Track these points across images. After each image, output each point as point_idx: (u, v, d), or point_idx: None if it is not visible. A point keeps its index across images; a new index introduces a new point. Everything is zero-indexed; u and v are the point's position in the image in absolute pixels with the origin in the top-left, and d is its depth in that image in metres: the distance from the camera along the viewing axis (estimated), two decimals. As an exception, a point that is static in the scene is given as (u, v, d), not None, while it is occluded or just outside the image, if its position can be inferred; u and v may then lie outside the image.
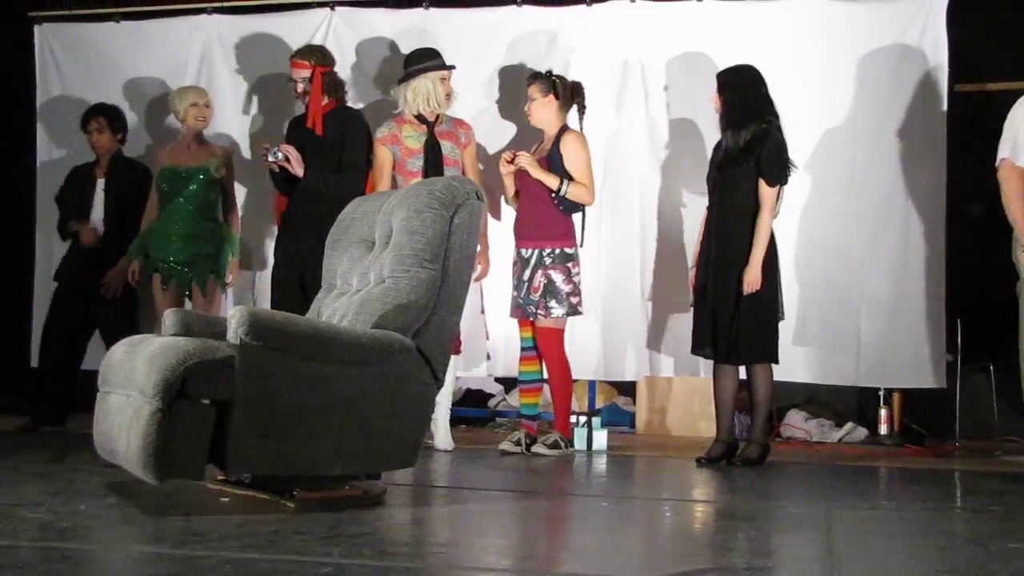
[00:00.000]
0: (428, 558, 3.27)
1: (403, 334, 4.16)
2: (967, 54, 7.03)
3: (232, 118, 7.46)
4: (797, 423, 7.52)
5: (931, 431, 7.45)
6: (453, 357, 5.57)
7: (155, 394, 3.63)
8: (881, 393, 7.35)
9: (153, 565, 3.02)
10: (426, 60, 6.42)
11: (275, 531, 3.41)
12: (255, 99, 7.47)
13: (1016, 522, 4.18)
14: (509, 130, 7.04)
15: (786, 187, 5.94)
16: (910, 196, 6.66)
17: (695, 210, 6.43)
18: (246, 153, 7.32)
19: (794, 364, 6.58)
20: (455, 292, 4.31)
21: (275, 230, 6.76)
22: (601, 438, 6.47)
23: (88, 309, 6.89)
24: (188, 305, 6.62)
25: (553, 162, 6.24)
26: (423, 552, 3.42)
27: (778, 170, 5.86)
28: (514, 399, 7.48)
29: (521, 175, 6.29)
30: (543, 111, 6.33)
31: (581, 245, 6.35)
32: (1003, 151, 5.53)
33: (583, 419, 6.68)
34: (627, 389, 7.92)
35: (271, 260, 6.63)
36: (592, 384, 7.25)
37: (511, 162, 6.26)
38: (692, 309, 6.11)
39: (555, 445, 6.15)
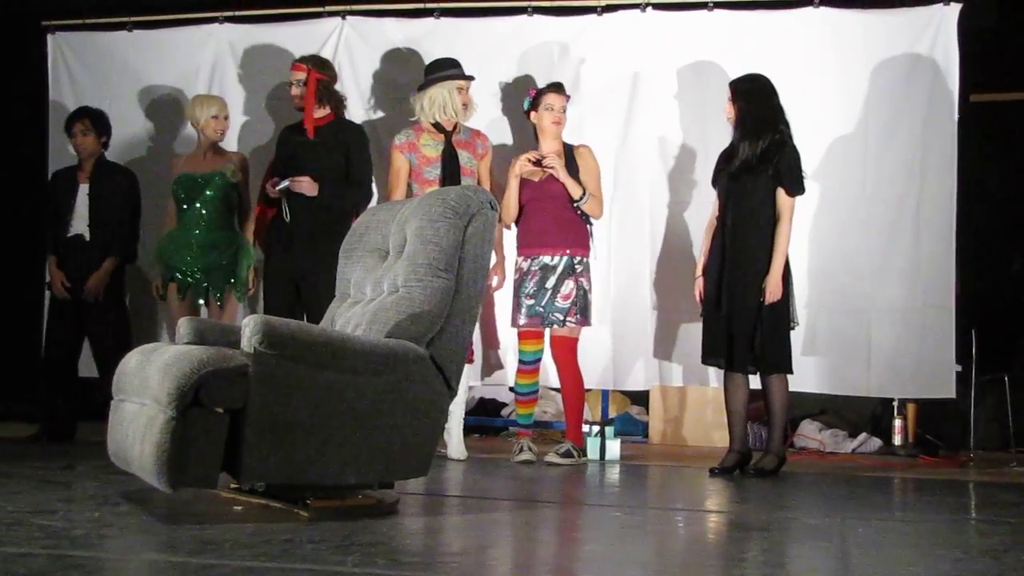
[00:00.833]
0: (441, 567, 3.27)
1: (417, 343, 4.15)
2: (978, 64, 7.02)
3: (243, 126, 7.46)
4: (811, 433, 7.51)
5: (946, 442, 7.44)
6: (466, 366, 5.58)
7: (169, 402, 3.63)
8: (895, 404, 7.34)
9: (166, 573, 3.02)
10: (444, 69, 6.43)
11: (288, 540, 3.41)
12: (266, 108, 7.48)
13: (1031, 533, 4.16)
14: (519, 139, 7.03)
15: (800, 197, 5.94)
16: (921, 205, 6.65)
17: (704, 220, 6.42)
18: (258, 161, 7.32)
19: (805, 374, 6.56)
20: (469, 301, 4.30)
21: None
22: (614, 448, 6.46)
23: (80, 319, 6.86)
24: (204, 314, 6.62)
25: (569, 172, 6.24)
26: (436, 561, 3.41)
27: (798, 181, 5.87)
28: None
29: (533, 183, 6.27)
30: (565, 126, 6.37)
31: (595, 257, 6.38)
32: None
33: (596, 429, 6.67)
34: (640, 399, 7.92)
35: None
36: (605, 394, 7.25)
37: (536, 163, 6.23)
38: (701, 319, 6.10)
39: (568, 454, 6.14)
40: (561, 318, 6.16)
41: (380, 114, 7.32)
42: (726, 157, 6.05)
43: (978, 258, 7.08)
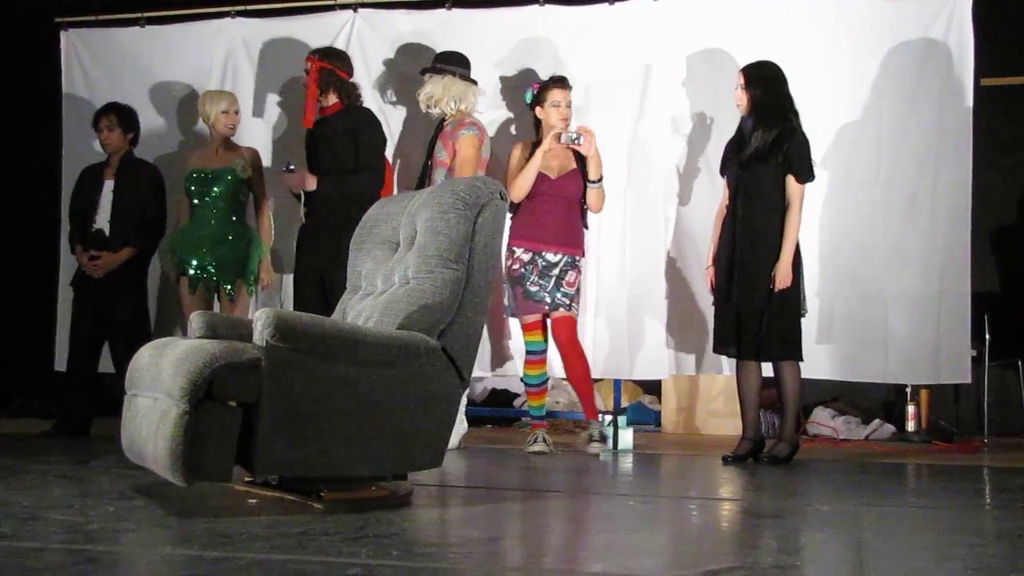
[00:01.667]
0: (455, 558, 3.27)
1: (428, 335, 4.16)
2: (992, 47, 6.98)
3: (256, 121, 7.48)
4: (824, 420, 7.51)
5: (959, 427, 7.43)
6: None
7: (182, 396, 3.65)
8: (908, 390, 7.32)
9: (181, 567, 3.03)
10: (441, 62, 6.60)
11: (303, 532, 3.42)
12: (279, 102, 7.49)
13: (1046, 518, 4.16)
14: (530, 129, 7.02)
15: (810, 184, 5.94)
16: (936, 191, 6.61)
17: (715, 208, 6.41)
18: (270, 156, 7.33)
19: (820, 361, 6.54)
20: (479, 292, 4.30)
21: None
22: (627, 437, 6.47)
23: (100, 314, 6.89)
24: (216, 308, 6.63)
25: (577, 163, 6.27)
26: (450, 552, 3.42)
27: (807, 168, 5.87)
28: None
29: (549, 180, 6.26)
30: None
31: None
32: None
33: (609, 418, 6.68)
34: (652, 388, 7.92)
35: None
36: (617, 383, 7.24)
37: (566, 139, 6.28)
38: (714, 308, 6.10)
39: (602, 437, 6.18)
40: (568, 303, 6.23)
41: (393, 106, 7.31)
42: (735, 145, 6.05)
43: (991, 243, 7.06)
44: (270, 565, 2.95)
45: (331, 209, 6.30)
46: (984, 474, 5.82)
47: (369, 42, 7.37)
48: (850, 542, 3.62)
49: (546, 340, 6.35)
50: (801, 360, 5.91)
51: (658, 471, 5.87)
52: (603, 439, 6.18)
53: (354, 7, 7.41)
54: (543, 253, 6.26)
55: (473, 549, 3.44)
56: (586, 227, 6.45)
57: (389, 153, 6.85)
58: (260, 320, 3.80)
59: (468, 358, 4.30)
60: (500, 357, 6.99)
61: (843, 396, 7.69)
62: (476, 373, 6.96)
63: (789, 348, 5.85)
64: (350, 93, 6.56)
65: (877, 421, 7.49)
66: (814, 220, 6.51)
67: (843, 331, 6.66)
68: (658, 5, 7.00)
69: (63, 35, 7.88)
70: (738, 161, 5.96)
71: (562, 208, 6.30)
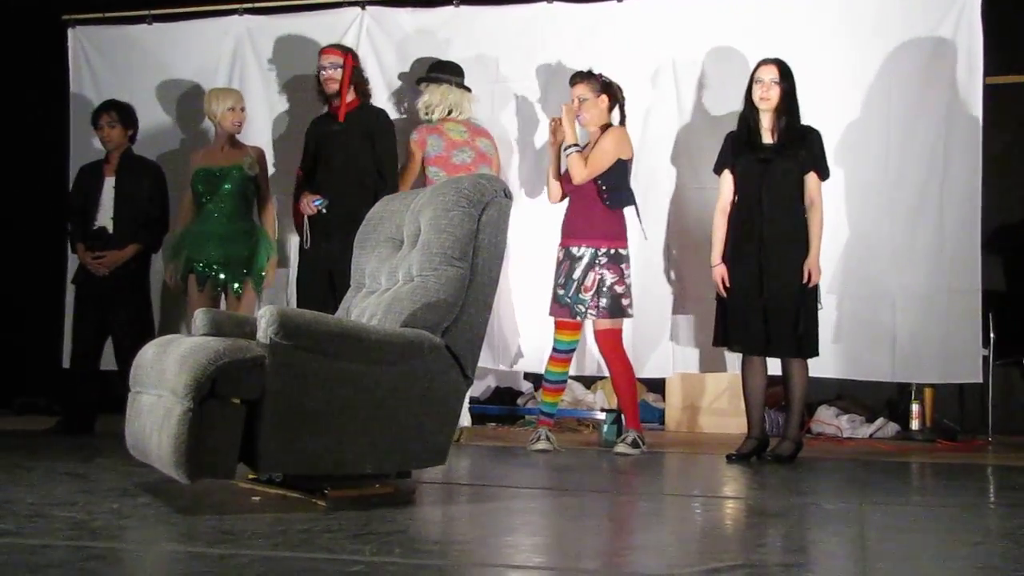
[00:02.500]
0: (459, 556, 3.28)
1: (432, 332, 4.16)
2: (1000, 45, 6.97)
3: (262, 119, 7.48)
4: (828, 419, 7.49)
5: (963, 426, 7.42)
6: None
7: (186, 394, 3.65)
8: (913, 388, 7.31)
9: (185, 564, 3.04)
10: (437, 71, 6.74)
11: (306, 529, 3.42)
12: (287, 99, 7.49)
13: (1050, 517, 4.15)
14: (540, 126, 7.03)
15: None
16: (944, 189, 6.60)
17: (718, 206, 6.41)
18: (277, 153, 7.34)
19: (827, 360, 6.51)
20: (483, 290, 4.31)
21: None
22: (639, 441, 6.45)
23: (103, 311, 6.88)
24: (223, 306, 6.64)
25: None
26: (454, 550, 3.42)
27: (827, 165, 5.91)
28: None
29: (567, 176, 6.26)
30: (594, 112, 6.28)
31: (645, 238, 6.51)
32: None
33: (612, 415, 6.68)
34: (656, 386, 7.91)
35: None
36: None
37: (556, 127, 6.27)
38: (716, 304, 6.07)
39: (636, 444, 6.12)
40: (584, 309, 6.14)
41: (401, 102, 7.31)
42: (743, 140, 6.00)
43: (996, 241, 7.04)
44: (274, 562, 2.96)
45: (342, 205, 6.32)
46: (988, 473, 5.81)
47: (377, 39, 7.38)
48: (854, 540, 3.62)
49: (576, 341, 6.31)
50: (818, 355, 5.92)
51: (662, 469, 5.87)
52: (636, 446, 6.14)
53: (362, 4, 7.42)
54: (569, 247, 6.22)
55: (476, 547, 3.45)
56: (626, 204, 6.28)
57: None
58: (264, 318, 3.81)
59: (472, 356, 4.30)
60: (506, 353, 7.02)
61: (847, 395, 7.68)
62: (488, 366, 7.02)
63: (815, 344, 5.87)
64: (366, 91, 6.66)
65: (881, 420, 7.47)
66: (825, 218, 6.48)
67: (850, 330, 6.64)
68: (666, 3, 7.00)
69: (70, 32, 7.88)
70: (759, 157, 5.91)
71: (580, 200, 6.25)
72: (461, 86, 6.75)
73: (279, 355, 3.77)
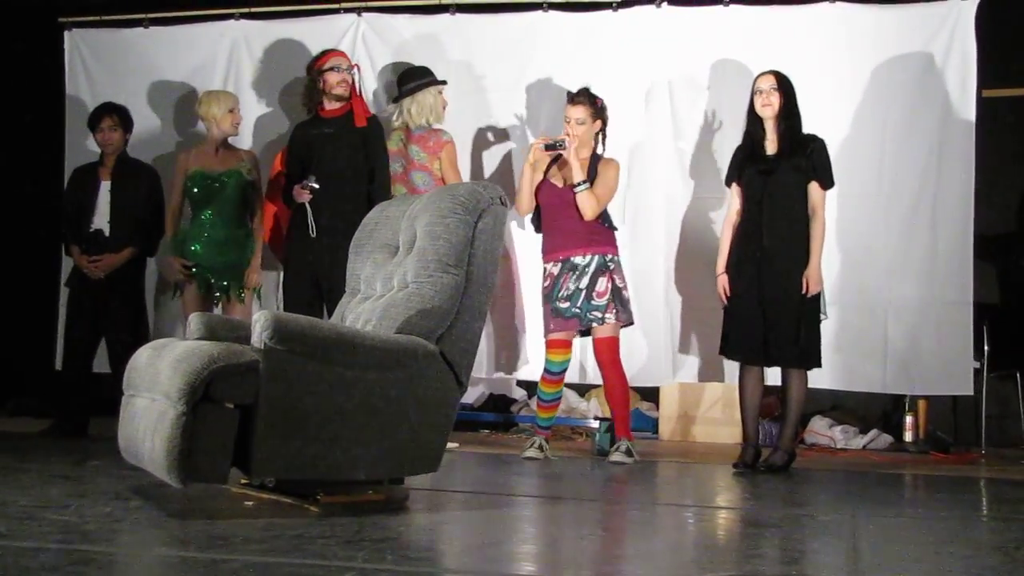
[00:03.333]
0: (451, 563, 3.28)
1: (427, 339, 4.16)
2: (994, 58, 6.98)
3: (258, 123, 7.48)
4: (821, 430, 7.50)
5: (957, 438, 7.42)
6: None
7: (180, 398, 3.65)
8: (906, 400, 7.32)
9: (177, 568, 3.03)
10: (425, 76, 6.68)
11: (299, 535, 3.42)
12: (282, 104, 7.49)
13: (1043, 531, 4.15)
14: (533, 133, 7.03)
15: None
16: (938, 202, 6.62)
17: (721, 216, 6.41)
18: (270, 157, 7.33)
19: (821, 370, 6.48)
20: (479, 297, 4.30)
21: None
22: (632, 449, 6.45)
23: (97, 314, 6.85)
24: (217, 311, 6.62)
25: (589, 179, 6.20)
26: (446, 557, 3.42)
27: (831, 175, 5.92)
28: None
29: (558, 189, 6.24)
30: (587, 136, 6.28)
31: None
32: None
33: (606, 424, 6.68)
34: (650, 395, 7.91)
35: None
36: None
37: (550, 147, 6.19)
38: (723, 314, 6.06)
39: (629, 452, 6.10)
40: (600, 316, 6.10)
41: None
42: (748, 152, 6.01)
43: (990, 254, 7.05)
44: (266, 567, 2.95)
45: (330, 211, 6.31)
46: (981, 485, 5.82)
47: (373, 46, 7.38)
48: (847, 551, 3.62)
49: (568, 360, 6.29)
50: (820, 366, 5.93)
51: (655, 478, 5.87)
52: (630, 454, 6.13)
53: (358, 11, 7.42)
54: (570, 258, 6.19)
55: (468, 554, 3.45)
56: (614, 228, 6.33)
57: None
58: (259, 322, 3.81)
59: (466, 363, 4.30)
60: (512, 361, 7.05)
61: (841, 406, 7.69)
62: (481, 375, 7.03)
63: (816, 354, 5.88)
64: (360, 92, 6.69)
65: (875, 431, 7.48)
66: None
67: (844, 341, 6.65)
68: (661, 12, 7.01)
69: (67, 35, 7.87)
70: (760, 168, 5.92)
71: (569, 216, 6.23)
72: (412, 91, 6.68)
73: (273, 360, 3.77)
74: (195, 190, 6.69)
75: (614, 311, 6.12)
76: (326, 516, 3.82)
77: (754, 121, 5.99)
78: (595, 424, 7.14)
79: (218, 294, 6.65)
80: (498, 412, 8.02)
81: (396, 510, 4.05)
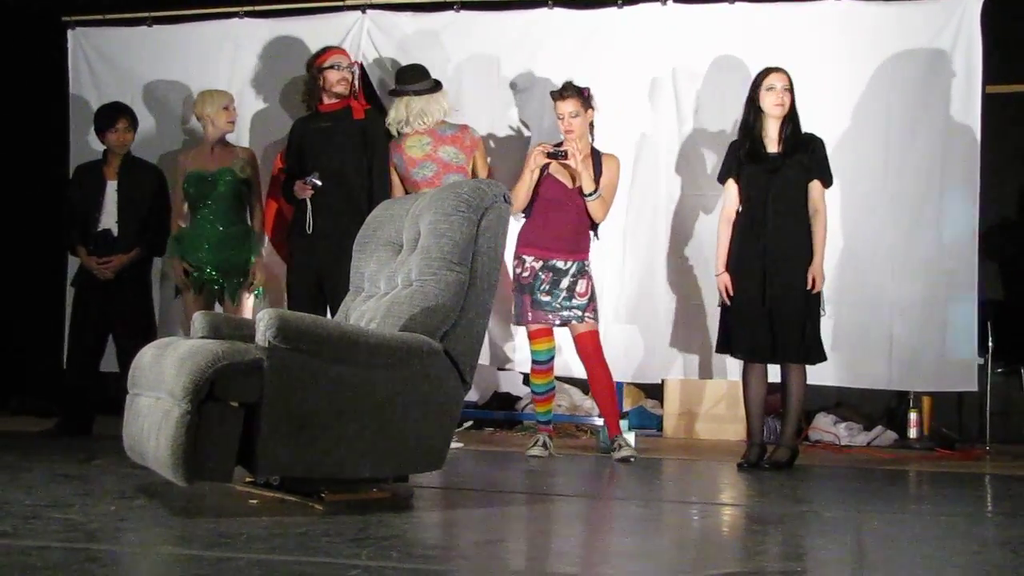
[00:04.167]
0: (456, 561, 3.28)
1: (431, 337, 4.16)
2: (999, 55, 6.97)
3: (262, 121, 7.48)
4: (826, 426, 7.48)
5: (961, 434, 7.42)
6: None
7: (184, 396, 3.65)
8: (911, 396, 7.31)
9: (182, 567, 3.04)
10: (423, 79, 6.60)
11: (303, 533, 3.42)
12: (286, 102, 7.48)
13: (1048, 527, 4.15)
14: (537, 131, 7.02)
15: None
16: (942, 198, 6.60)
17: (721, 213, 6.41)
18: (272, 155, 7.32)
19: (825, 367, 6.48)
20: (483, 295, 4.31)
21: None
22: (629, 441, 6.45)
23: (105, 313, 6.86)
24: (219, 309, 6.62)
25: (594, 176, 6.22)
26: (451, 555, 3.42)
27: (829, 172, 5.93)
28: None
29: (563, 187, 6.24)
30: (584, 127, 6.28)
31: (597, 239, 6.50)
32: None
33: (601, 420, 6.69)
34: (654, 392, 7.91)
35: None
36: (619, 387, 7.23)
37: (553, 156, 6.18)
38: (721, 312, 6.07)
39: (627, 444, 6.13)
40: (580, 314, 6.15)
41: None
42: (747, 149, 6.00)
43: (995, 250, 7.04)
44: (270, 566, 2.95)
45: (332, 210, 6.30)
46: (986, 482, 5.80)
47: (378, 43, 7.37)
48: (852, 548, 3.62)
49: (554, 348, 6.32)
50: (825, 359, 5.94)
51: (660, 475, 5.86)
52: (631, 446, 6.13)
53: (362, 8, 7.41)
54: (552, 261, 6.21)
55: (473, 552, 3.45)
56: (596, 237, 6.39)
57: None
58: (263, 321, 3.81)
59: (471, 361, 4.30)
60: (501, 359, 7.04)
61: (845, 402, 7.68)
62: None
63: (821, 350, 5.89)
64: (357, 93, 6.67)
65: (879, 428, 7.47)
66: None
67: (849, 338, 6.63)
68: (667, 9, 6.99)
69: (70, 34, 7.87)
70: (764, 166, 5.92)
71: (574, 217, 6.24)
72: (422, 92, 6.58)
73: (277, 358, 3.77)
74: (191, 190, 6.71)
75: (593, 311, 6.19)
76: (331, 514, 3.82)
77: (756, 116, 5.98)
78: (599, 421, 7.13)
79: (215, 287, 6.65)
80: (503, 410, 8.01)
81: (401, 508, 4.05)
